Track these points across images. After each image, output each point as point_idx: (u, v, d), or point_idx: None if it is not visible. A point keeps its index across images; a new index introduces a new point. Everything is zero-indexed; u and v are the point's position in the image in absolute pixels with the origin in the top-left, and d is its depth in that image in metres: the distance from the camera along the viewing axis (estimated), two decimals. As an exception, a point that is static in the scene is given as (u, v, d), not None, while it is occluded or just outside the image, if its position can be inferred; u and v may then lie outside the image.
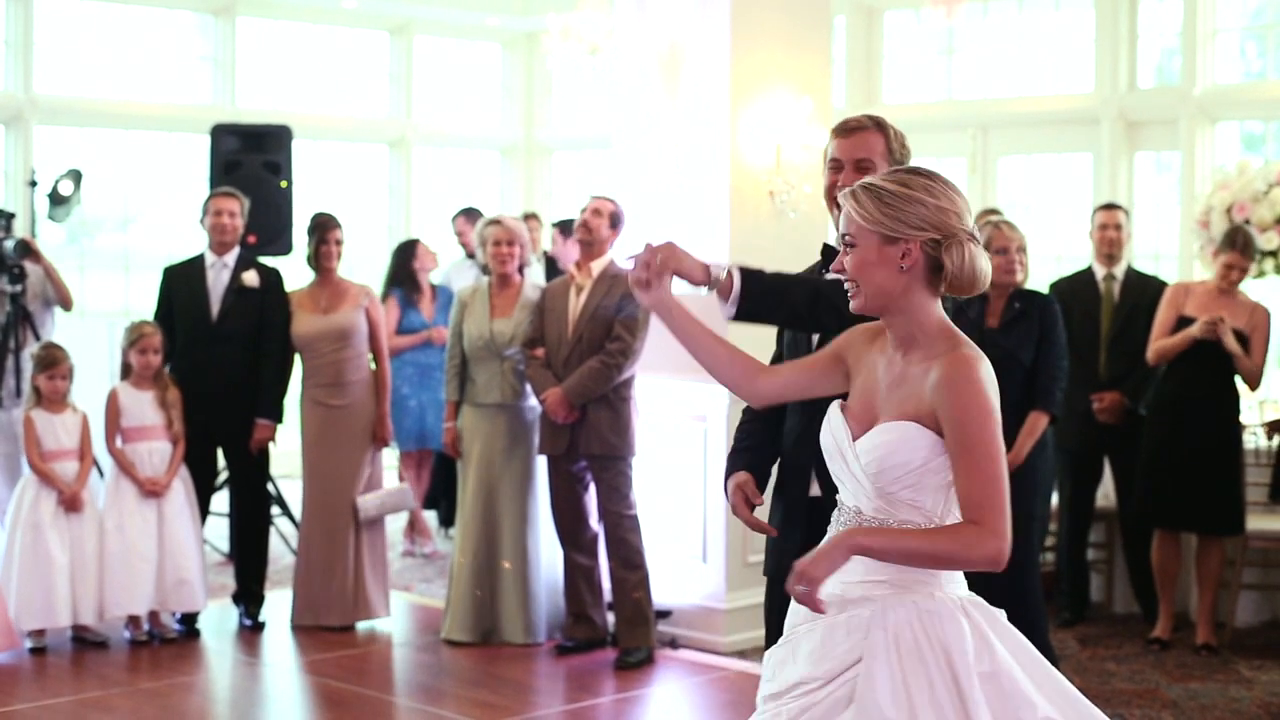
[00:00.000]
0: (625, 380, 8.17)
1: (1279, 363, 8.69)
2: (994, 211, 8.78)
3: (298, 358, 8.93)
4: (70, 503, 8.30)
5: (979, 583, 3.69)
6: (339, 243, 8.91)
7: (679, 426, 8.58)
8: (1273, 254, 9.74)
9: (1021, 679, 3.51)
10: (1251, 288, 8.68)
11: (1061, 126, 12.96)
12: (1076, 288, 9.06)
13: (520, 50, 16.28)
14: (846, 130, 4.82)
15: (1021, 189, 13.50)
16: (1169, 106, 12.30)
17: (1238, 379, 8.50)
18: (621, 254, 8.46)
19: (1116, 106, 12.53)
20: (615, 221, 8.31)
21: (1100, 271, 9.01)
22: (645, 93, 8.78)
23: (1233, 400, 8.54)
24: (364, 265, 14.02)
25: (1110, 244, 9.01)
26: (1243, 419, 8.69)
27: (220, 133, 10.32)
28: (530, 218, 12.48)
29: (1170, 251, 12.28)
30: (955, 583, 3.61)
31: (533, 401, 8.40)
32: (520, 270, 8.60)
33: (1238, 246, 8.48)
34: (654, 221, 8.71)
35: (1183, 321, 8.43)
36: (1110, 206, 9.29)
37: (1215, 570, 8.54)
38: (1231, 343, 8.31)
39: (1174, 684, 7.90)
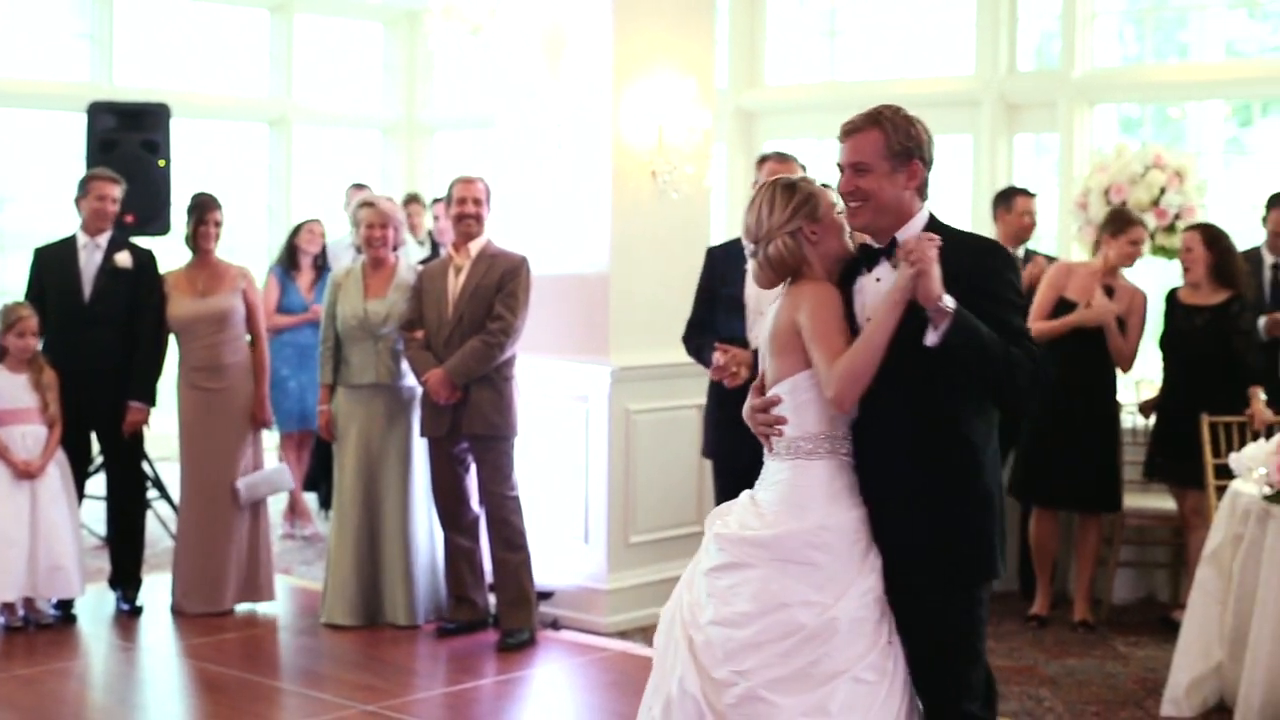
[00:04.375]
0: (507, 360, 8.14)
1: (1157, 343, 8.78)
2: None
3: (173, 340, 8.81)
4: None
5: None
6: (218, 224, 8.80)
7: (560, 407, 8.56)
8: (1150, 235, 9.84)
9: None
10: (1126, 270, 8.76)
11: (942, 108, 13.00)
12: None
13: (402, 29, 16.16)
14: (844, 132, 4.65)
15: (902, 170, 13.52)
16: (1048, 89, 12.41)
17: (1115, 358, 8.61)
18: (496, 232, 8.43)
19: (996, 89, 12.62)
20: (488, 198, 8.28)
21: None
22: (528, 73, 8.75)
23: (1110, 380, 8.64)
24: (244, 246, 13.85)
25: (1028, 230, 9.35)
26: (1120, 398, 8.80)
27: (97, 111, 10.19)
28: (413, 200, 12.40)
29: (1049, 232, 12.38)
30: None
31: (410, 381, 8.34)
32: (394, 251, 8.54)
33: (1135, 220, 8.61)
34: (536, 201, 8.69)
35: (1062, 302, 8.51)
36: (1028, 193, 9.45)
37: (1094, 548, 8.65)
38: (1113, 326, 8.41)
39: (1052, 660, 7.99)
